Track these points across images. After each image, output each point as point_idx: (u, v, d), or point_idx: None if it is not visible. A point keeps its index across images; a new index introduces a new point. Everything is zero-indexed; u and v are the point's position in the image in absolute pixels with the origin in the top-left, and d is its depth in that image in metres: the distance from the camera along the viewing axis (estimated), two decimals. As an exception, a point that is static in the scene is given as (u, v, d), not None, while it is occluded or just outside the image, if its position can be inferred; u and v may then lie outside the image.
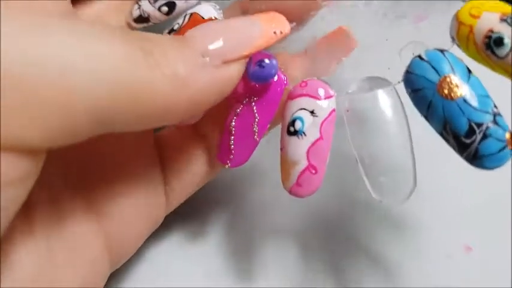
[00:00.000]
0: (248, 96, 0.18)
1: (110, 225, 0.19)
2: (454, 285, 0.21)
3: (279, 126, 0.18)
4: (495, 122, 0.15)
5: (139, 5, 0.21)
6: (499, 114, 0.15)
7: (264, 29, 0.17)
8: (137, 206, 0.20)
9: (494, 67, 0.15)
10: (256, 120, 0.18)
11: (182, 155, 0.21)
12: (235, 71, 0.16)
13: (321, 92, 0.17)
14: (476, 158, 0.15)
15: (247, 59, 0.17)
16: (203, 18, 0.20)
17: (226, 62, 0.16)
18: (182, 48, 0.15)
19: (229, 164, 0.19)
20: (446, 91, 0.15)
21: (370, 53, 0.17)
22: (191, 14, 0.20)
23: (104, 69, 0.13)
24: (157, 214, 0.21)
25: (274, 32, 0.17)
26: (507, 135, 0.15)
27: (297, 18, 0.19)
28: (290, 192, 0.17)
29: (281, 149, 0.17)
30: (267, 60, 0.17)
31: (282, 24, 0.17)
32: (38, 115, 0.13)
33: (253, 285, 0.22)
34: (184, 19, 0.20)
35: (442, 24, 0.16)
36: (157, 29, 0.19)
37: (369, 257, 0.23)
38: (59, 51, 0.13)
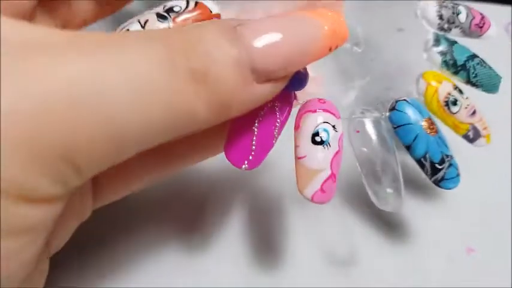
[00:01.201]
0: (272, 100, 0.18)
1: None
2: (456, 286, 0.22)
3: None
4: (452, 156, 0.21)
5: (127, 30, 0.19)
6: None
7: (324, 45, 0.15)
8: (71, 212, 0.18)
9: (446, 120, 0.21)
10: (278, 124, 0.18)
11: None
12: (276, 88, 0.16)
13: (337, 112, 0.19)
14: (442, 180, 0.20)
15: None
16: (210, 10, 0.19)
17: (272, 80, 0.15)
18: (237, 64, 0.14)
19: (247, 166, 0.18)
20: (430, 129, 0.20)
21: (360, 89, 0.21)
22: (196, 1, 0.19)
23: (151, 106, 0.13)
24: (85, 215, 0.19)
25: (330, 49, 0.16)
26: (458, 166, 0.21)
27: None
28: (313, 199, 0.18)
29: (300, 158, 0.18)
30: (302, 70, 0.18)
31: (342, 36, 0.16)
32: (89, 160, 0.13)
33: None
34: (188, 4, 0.19)
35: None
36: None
37: (370, 257, 0.23)
38: (107, 95, 0.12)
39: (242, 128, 0.18)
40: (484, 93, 0.21)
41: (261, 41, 0.14)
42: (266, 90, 0.15)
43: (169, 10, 0.18)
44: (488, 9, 0.23)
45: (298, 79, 0.18)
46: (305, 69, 0.18)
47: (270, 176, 0.24)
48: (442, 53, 0.22)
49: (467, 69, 0.22)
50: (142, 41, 0.13)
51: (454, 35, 0.23)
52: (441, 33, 0.23)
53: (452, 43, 0.22)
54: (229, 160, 0.18)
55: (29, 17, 0.18)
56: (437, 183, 0.20)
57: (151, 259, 0.21)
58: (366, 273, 0.22)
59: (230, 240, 0.22)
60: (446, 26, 0.23)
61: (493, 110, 0.21)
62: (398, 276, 0.22)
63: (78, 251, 0.19)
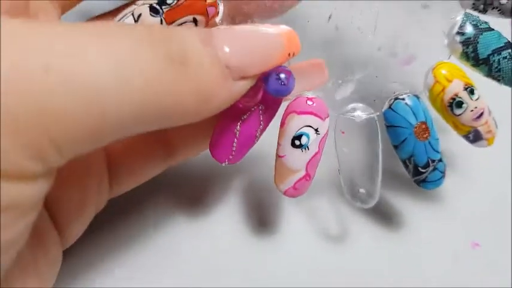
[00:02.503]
0: (256, 104, 0.19)
1: (63, 221, 0.19)
2: (461, 281, 0.22)
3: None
4: (441, 159, 0.21)
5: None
6: (441, 153, 0.21)
7: (285, 49, 0.17)
8: (88, 203, 0.20)
9: (447, 118, 0.20)
10: (261, 127, 0.19)
11: (135, 154, 0.21)
12: (247, 85, 0.17)
13: (325, 112, 0.19)
14: (424, 181, 0.21)
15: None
16: None
17: (244, 78, 0.16)
18: (212, 59, 0.15)
19: (227, 163, 0.20)
20: (421, 134, 0.20)
21: (361, 82, 0.20)
22: None
23: (135, 88, 0.13)
24: (101, 205, 0.21)
25: (289, 54, 0.17)
26: (444, 169, 0.21)
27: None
28: (285, 193, 0.20)
29: (280, 156, 0.20)
30: (285, 75, 0.18)
31: (296, 46, 0.17)
32: (69, 140, 0.13)
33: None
34: None
35: (421, 72, 0.20)
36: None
37: (375, 253, 0.23)
38: (92, 72, 0.12)
39: (225, 129, 0.19)
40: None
41: (231, 47, 0.16)
42: (240, 88, 0.16)
43: (163, 2, 0.18)
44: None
45: (282, 88, 0.18)
46: (290, 75, 0.18)
47: (267, 158, 0.24)
48: (465, 44, 0.20)
49: (490, 64, 0.20)
50: (125, 27, 0.14)
51: (490, 15, 0.20)
52: (474, 13, 0.20)
53: (481, 32, 0.20)
54: (212, 156, 0.20)
55: None
56: (418, 183, 0.21)
57: (160, 225, 0.23)
58: (367, 272, 0.22)
59: (229, 216, 0.24)
60: (481, 6, 0.20)
61: (494, 107, 0.20)
62: (403, 271, 0.22)
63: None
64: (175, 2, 0.18)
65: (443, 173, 0.21)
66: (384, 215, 0.24)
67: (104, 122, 0.13)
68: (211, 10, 0.19)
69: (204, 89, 0.15)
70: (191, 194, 0.24)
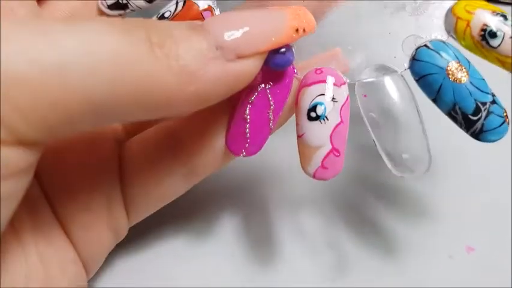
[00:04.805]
0: (262, 83, 0.18)
1: (76, 236, 0.19)
2: (456, 285, 0.22)
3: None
4: (494, 101, 0.17)
5: None
6: (495, 95, 0.17)
7: (288, 24, 0.16)
8: (98, 218, 0.19)
9: (488, 56, 0.17)
10: (272, 107, 0.18)
11: (150, 170, 0.20)
12: (251, 66, 0.16)
13: (340, 78, 0.18)
14: (481, 132, 0.17)
15: (265, 54, 0.16)
16: (198, 6, 0.20)
17: (241, 57, 0.15)
18: (196, 40, 0.15)
19: (244, 154, 0.18)
20: (455, 75, 0.17)
21: (374, 44, 0.18)
22: (185, 1, 0.20)
23: (102, 64, 0.13)
24: (119, 227, 0.20)
25: (297, 30, 0.16)
26: (504, 112, 0.17)
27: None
28: (314, 175, 0.17)
29: (299, 136, 0.18)
30: (285, 47, 0.17)
31: (307, 21, 0.16)
32: (34, 109, 0.13)
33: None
34: (177, 6, 0.20)
35: (438, 18, 0.18)
36: (138, 15, 0.18)
37: (371, 256, 0.23)
38: (56, 48, 0.13)
39: (236, 116, 0.18)
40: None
41: (226, 31, 0.15)
42: (240, 67, 0.15)
43: (162, 17, 0.19)
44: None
45: (279, 57, 0.17)
46: (287, 46, 0.17)
47: (265, 181, 0.24)
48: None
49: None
50: (102, 18, 0.15)
51: None
52: None
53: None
54: (228, 149, 0.19)
55: None
56: (476, 136, 0.17)
57: (162, 246, 0.23)
58: (365, 271, 0.22)
59: (226, 239, 0.23)
60: None
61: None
62: (398, 275, 0.22)
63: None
64: (171, 14, 0.20)
65: (503, 117, 0.17)
66: (376, 220, 0.23)
67: (69, 96, 0.13)
68: (206, 14, 0.20)
69: (185, 68, 0.14)
70: (191, 220, 0.24)
